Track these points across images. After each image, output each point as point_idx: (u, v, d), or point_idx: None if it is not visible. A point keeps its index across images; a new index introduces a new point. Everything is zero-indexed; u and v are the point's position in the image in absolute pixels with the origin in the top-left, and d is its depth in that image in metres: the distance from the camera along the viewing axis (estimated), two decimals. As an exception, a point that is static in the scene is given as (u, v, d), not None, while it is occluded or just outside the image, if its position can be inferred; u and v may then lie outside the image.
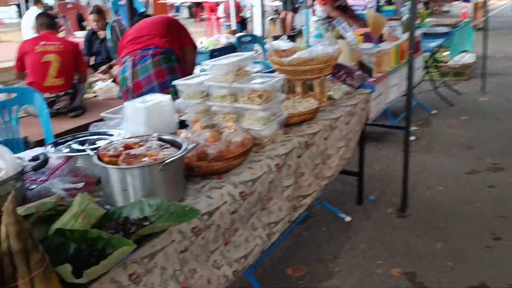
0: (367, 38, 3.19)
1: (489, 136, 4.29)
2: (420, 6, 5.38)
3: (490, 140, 4.19)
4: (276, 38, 5.75)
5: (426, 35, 4.62)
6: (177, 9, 18.85)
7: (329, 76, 2.49)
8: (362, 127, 2.54)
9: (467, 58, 6.60)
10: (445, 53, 6.42)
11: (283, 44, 4.63)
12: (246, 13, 11.39)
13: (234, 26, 7.26)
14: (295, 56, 2.16)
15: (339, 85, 2.46)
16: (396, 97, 3.26)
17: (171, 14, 19.00)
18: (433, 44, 4.30)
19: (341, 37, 2.83)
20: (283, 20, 11.11)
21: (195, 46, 3.25)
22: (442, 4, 18.85)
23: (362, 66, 2.84)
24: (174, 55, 3.04)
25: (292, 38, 6.54)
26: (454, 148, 4.08)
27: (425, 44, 4.38)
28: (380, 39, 3.32)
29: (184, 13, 17.98)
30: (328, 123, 2.06)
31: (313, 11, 4.98)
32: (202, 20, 14.56)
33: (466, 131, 4.47)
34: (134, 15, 3.89)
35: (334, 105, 2.29)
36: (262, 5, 6.63)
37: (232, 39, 5.41)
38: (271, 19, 11.40)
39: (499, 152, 3.91)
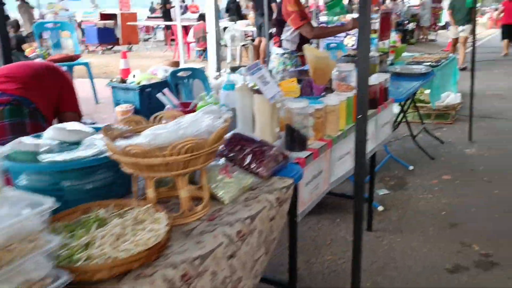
0: (306, 88, 2.26)
1: (478, 208, 3.35)
2: (395, 37, 4.51)
3: (479, 215, 3.26)
4: (234, 69, 4.83)
5: (401, 76, 3.73)
6: (154, 31, 18.12)
7: (220, 160, 1.54)
8: (273, 244, 1.57)
9: (452, 97, 5.74)
10: (427, 91, 5.56)
11: (239, 79, 3.73)
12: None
13: (180, 56, 6.27)
14: (131, 141, 1.20)
15: (237, 175, 1.50)
16: (348, 172, 2.31)
17: (147, 36, 18.23)
18: (408, 89, 3.37)
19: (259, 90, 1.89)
20: (257, 47, 10.27)
21: (79, 115, 2.36)
22: (428, 33, 18.32)
23: (291, 133, 1.90)
24: (28, 108, 2.11)
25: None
26: (433, 225, 3.12)
27: (400, 87, 3.50)
28: (328, 89, 2.40)
29: (160, 35, 17.19)
30: (180, 272, 1.09)
31: (277, 42, 4.08)
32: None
33: (449, 198, 3.53)
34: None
35: (216, 218, 1.32)
36: (217, 31, 5.73)
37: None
38: (243, 45, 10.56)
39: (490, 235, 2.97)
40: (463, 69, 8.65)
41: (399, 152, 4.55)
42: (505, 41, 12.46)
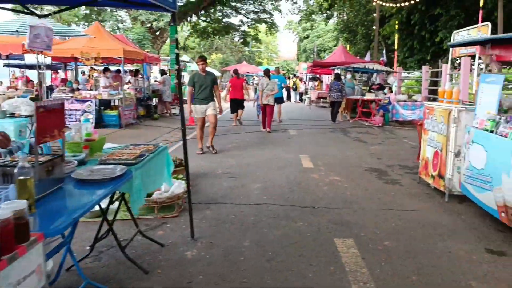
0: None
1: None
2: (90, 128, 3.70)
3: None
4: None
5: (86, 183, 2.88)
6: None
7: None
8: None
9: (177, 185, 5.24)
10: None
11: None
12: None
13: None
14: None
15: None
16: None
17: None
18: (77, 209, 2.50)
19: None
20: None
21: None
22: (171, 107, 18.75)
23: None
24: None
25: None
26: None
27: (84, 198, 2.65)
28: None
29: None
30: None
31: None
32: None
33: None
34: None
35: None
36: None
37: None
38: None
39: None
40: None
41: (109, 268, 3.64)
42: (234, 114, 14.36)
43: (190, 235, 4.32)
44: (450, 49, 7.90)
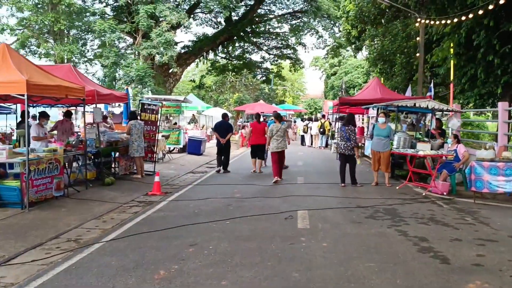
0: None
1: None
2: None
3: None
4: None
5: None
6: None
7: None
8: None
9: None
10: None
11: None
12: None
13: None
14: None
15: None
16: None
17: None
18: None
19: None
20: None
21: None
22: (143, 163, 13.62)
23: None
24: None
25: None
26: None
27: None
28: None
29: None
30: None
31: None
32: None
33: None
34: None
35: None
36: None
37: None
38: None
39: None
40: None
41: None
42: (253, 160, 13.64)
43: None
44: None
